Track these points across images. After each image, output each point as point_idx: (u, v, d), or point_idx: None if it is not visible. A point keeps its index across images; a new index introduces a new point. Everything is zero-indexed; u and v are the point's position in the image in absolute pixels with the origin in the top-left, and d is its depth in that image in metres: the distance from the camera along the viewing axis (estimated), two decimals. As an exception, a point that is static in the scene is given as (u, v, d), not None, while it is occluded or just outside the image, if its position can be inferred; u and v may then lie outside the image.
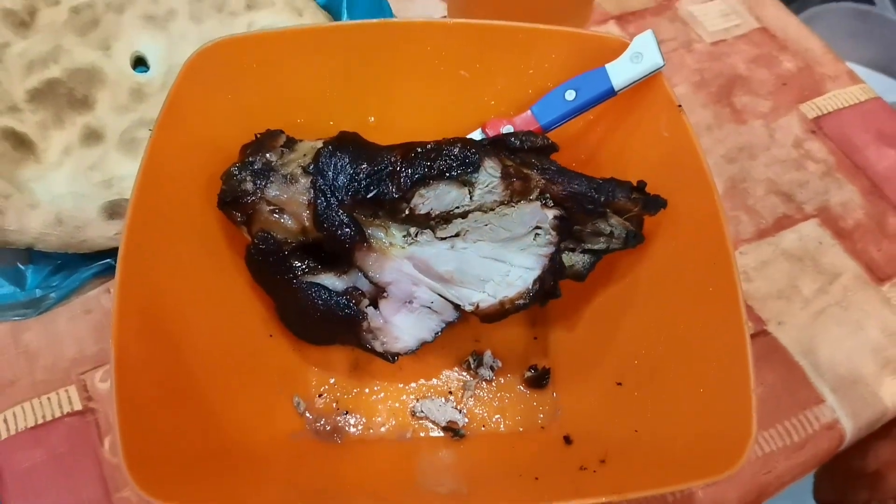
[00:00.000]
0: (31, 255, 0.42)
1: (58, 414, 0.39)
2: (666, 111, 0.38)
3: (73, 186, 0.44)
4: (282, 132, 0.39)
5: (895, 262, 0.46)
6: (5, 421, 0.38)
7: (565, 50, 0.40)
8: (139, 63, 0.51)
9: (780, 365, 0.42)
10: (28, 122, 0.46)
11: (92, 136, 0.46)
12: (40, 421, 0.39)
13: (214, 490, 0.31)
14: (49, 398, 0.39)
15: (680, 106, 0.37)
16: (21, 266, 0.42)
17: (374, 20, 0.40)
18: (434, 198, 0.35)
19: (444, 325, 0.38)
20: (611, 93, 0.39)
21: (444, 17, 0.56)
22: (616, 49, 0.39)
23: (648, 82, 0.38)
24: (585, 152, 0.42)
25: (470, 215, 0.35)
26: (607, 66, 0.38)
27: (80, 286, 0.42)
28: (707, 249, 0.34)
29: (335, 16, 0.53)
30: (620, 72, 0.38)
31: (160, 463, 0.29)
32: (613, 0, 0.59)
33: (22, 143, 0.45)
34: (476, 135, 0.41)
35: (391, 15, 0.53)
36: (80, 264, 0.42)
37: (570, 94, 0.39)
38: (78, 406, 0.39)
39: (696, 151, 0.36)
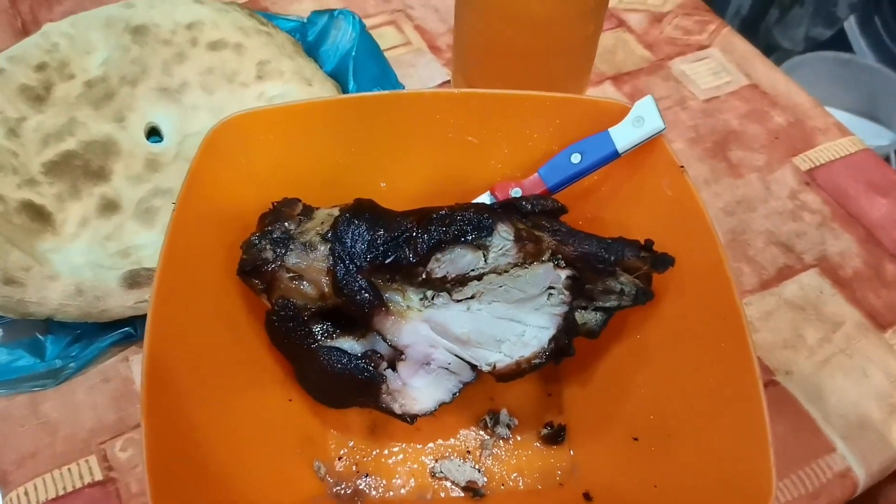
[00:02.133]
0: (49, 325, 0.43)
1: (78, 485, 0.39)
2: (668, 171, 0.39)
3: (91, 257, 0.45)
4: (299, 200, 0.40)
5: (895, 310, 0.47)
6: (26, 493, 0.38)
7: (568, 115, 0.42)
8: (153, 133, 0.53)
9: (791, 414, 0.43)
10: (46, 194, 0.47)
11: (108, 207, 0.47)
12: (61, 493, 0.39)
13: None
14: (70, 469, 0.39)
15: (682, 167, 0.39)
16: (40, 336, 0.42)
17: (383, 92, 0.41)
18: (450, 262, 0.36)
19: (461, 386, 0.38)
20: (615, 155, 0.40)
21: (448, 81, 0.58)
22: (617, 113, 0.40)
23: (650, 144, 0.40)
24: (591, 211, 0.43)
25: (485, 277, 0.36)
26: (611, 129, 0.40)
27: (98, 355, 0.43)
28: (715, 303, 0.35)
29: (342, 83, 0.55)
30: (623, 135, 0.40)
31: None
32: (608, 61, 0.61)
33: (40, 215, 0.46)
34: (484, 198, 0.42)
35: (395, 80, 0.55)
36: (98, 334, 0.43)
37: (575, 157, 0.41)
38: (98, 476, 0.39)
39: (699, 209, 0.37)
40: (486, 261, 0.36)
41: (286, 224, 0.38)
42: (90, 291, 0.42)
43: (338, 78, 0.55)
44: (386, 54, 0.60)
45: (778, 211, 0.52)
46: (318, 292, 0.37)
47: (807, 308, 0.47)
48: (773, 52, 1.32)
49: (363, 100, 0.42)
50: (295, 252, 0.37)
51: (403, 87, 0.55)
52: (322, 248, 0.37)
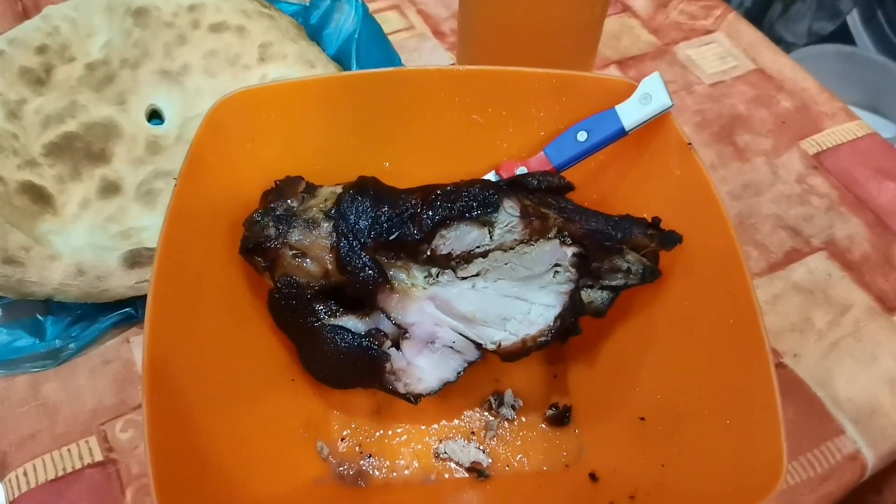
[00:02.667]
0: (50, 306, 0.42)
1: (78, 466, 0.38)
2: (677, 149, 0.39)
3: (92, 238, 0.44)
4: (302, 178, 0.40)
5: (905, 293, 0.47)
6: (25, 474, 0.38)
7: (574, 93, 0.41)
8: (154, 116, 0.52)
9: (799, 398, 0.42)
10: (46, 175, 0.47)
11: (109, 189, 0.47)
12: (61, 473, 0.38)
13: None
14: (69, 450, 0.39)
15: (690, 144, 0.38)
16: (40, 317, 0.42)
17: (387, 69, 0.41)
18: (455, 238, 0.36)
19: (466, 365, 0.38)
20: (621, 133, 0.40)
21: (453, 64, 0.57)
22: (624, 91, 0.40)
23: (658, 122, 0.40)
24: (598, 192, 0.43)
25: (490, 255, 0.36)
26: (617, 107, 0.40)
27: (99, 336, 0.42)
28: (725, 283, 0.35)
29: (345, 66, 0.54)
30: (630, 113, 0.39)
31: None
32: (613, 46, 0.61)
33: (41, 197, 0.46)
34: (490, 177, 0.42)
35: (399, 63, 0.55)
36: (98, 314, 0.43)
37: (582, 136, 0.40)
38: (99, 457, 0.39)
39: (709, 187, 0.37)
40: (491, 237, 0.36)
41: (289, 201, 0.38)
42: (91, 271, 0.41)
43: (341, 62, 0.55)
44: (390, 38, 0.60)
45: (785, 195, 0.52)
46: (321, 270, 0.37)
47: (815, 291, 0.47)
48: (777, 45, 1.32)
49: (366, 77, 0.41)
50: (298, 229, 0.37)
51: (407, 70, 0.54)
52: (325, 224, 0.37)
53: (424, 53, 0.59)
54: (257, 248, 0.37)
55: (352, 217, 0.36)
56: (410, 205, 0.36)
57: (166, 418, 0.31)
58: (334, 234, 0.36)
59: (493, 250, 0.36)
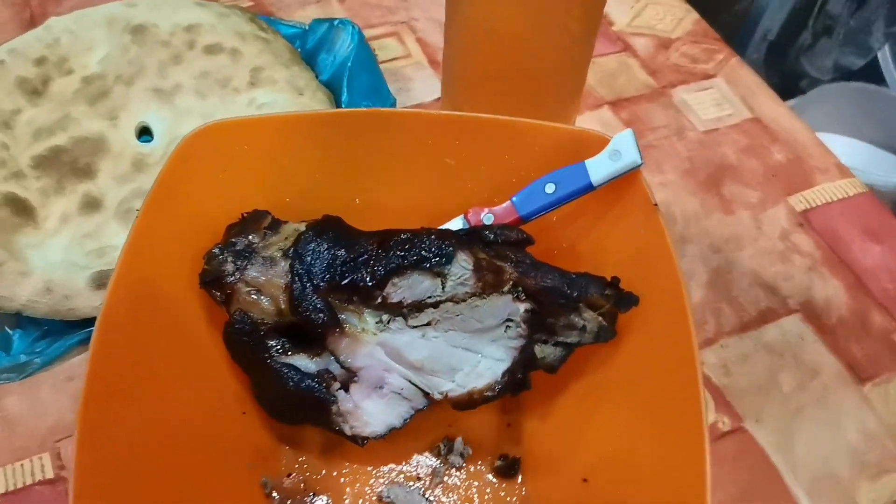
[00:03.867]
0: (20, 319, 0.43)
1: (29, 482, 0.39)
2: (642, 209, 0.39)
3: (68, 254, 0.45)
4: (268, 213, 0.40)
5: (877, 363, 0.46)
6: (-21, 486, 0.39)
7: (548, 143, 0.41)
8: (144, 132, 0.53)
9: (756, 464, 0.42)
10: (31, 188, 0.48)
11: (91, 205, 0.48)
12: (11, 488, 0.39)
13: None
14: (23, 465, 0.40)
15: (656, 205, 0.38)
16: (8, 330, 0.43)
17: (361, 109, 0.41)
18: (407, 287, 0.36)
19: (413, 412, 0.38)
20: (589, 188, 0.39)
21: (439, 98, 0.57)
22: (596, 144, 0.40)
23: (628, 179, 0.39)
24: (567, 241, 0.43)
25: (442, 305, 0.36)
26: (587, 161, 0.39)
27: (64, 353, 0.43)
28: (674, 350, 0.34)
29: (335, 92, 0.55)
30: (599, 168, 0.39)
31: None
32: (608, 85, 0.60)
33: (23, 210, 0.47)
34: (458, 221, 0.42)
35: (387, 93, 0.55)
36: (66, 331, 0.43)
37: (549, 188, 0.40)
38: (50, 474, 0.39)
39: (668, 252, 0.36)
40: (443, 289, 0.36)
41: (250, 237, 0.38)
42: (59, 290, 0.42)
43: (333, 87, 0.55)
44: (386, 66, 0.60)
45: (767, 251, 0.51)
46: (275, 308, 0.37)
47: (785, 354, 0.46)
48: (801, 79, 1.30)
49: (341, 116, 0.42)
50: (255, 266, 0.37)
51: (394, 101, 0.55)
52: (283, 263, 0.37)
53: (418, 82, 0.59)
54: (215, 282, 0.38)
55: (308, 258, 0.37)
56: (366, 250, 0.36)
57: (101, 440, 0.31)
58: (289, 274, 0.37)
59: (445, 301, 0.36)
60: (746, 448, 0.42)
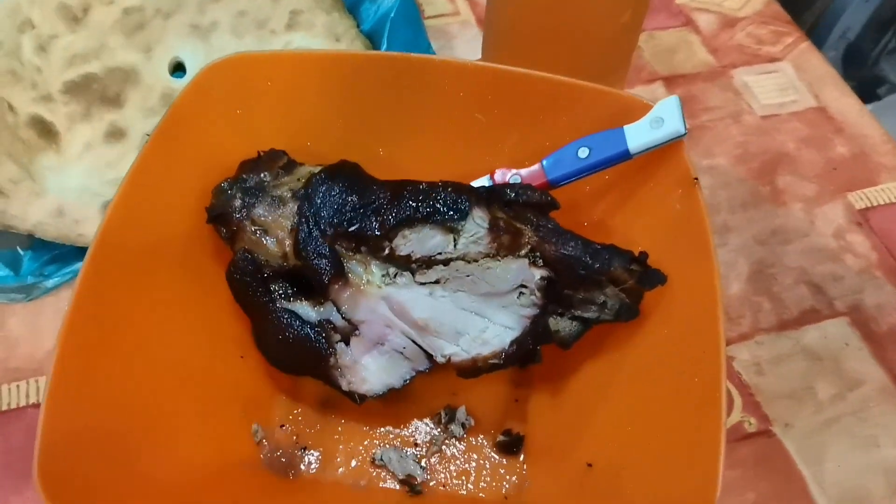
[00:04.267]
0: (33, 241, 0.43)
1: (23, 403, 0.39)
2: (682, 183, 0.36)
3: (85, 181, 0.44)
4: (284, 153, 0.38)
5: (927, 378, 0.42)
6: (-27, 402, 0.39)
7: (587, 105, 0.38)
8: (178, 68, 0.52)
9: (780, 472, 0.39)
10: (58, 112, 0.47)
11: (115, 135, 0.47)
12: (5, 408, 0.38)
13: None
14: (18, 386, 0.39)
15: (696, 179, 0.35)
16: (20, 251, 0.42)
17: (391, 53, 0.39)
18: (416, 240, 0.34)
19: (413, 374, 0.36)
20: (626, 155, 0.37)
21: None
22: (640, 111, 0.37)
23: (669, 150, 0.36)
24: (598, 213, 0.40)
25: (452, 263, 0.34)
26: (626, 127, 0.37)
27: (72, 279, 0.42)
28: (699, 338, 0.32)
29: (375, 43, 0.53)
30: (638, 135, 0.36)
31: (83, 479, 0.28)
32: (665, 60, 0.57)
33: (48, 133, 0.46)
34: (484, 181, 0.39)
35: (427, 48, 0.53)
36: (76, 257, 0.43)
37: (583, 152, 0.37)
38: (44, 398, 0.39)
39: (705, 232, 0.34)
40: (455, 246, 0.34)
41: (262, 175, 0.37)
42: (70, 214, 0.41)
43: (373, 38, 0.53)
44: (432, 22, 0.58)
45: (817, 248, 0.47)
46: (280, 250, 0.35)
47: (825, 359, 0.43)
48: (880, 84, 1.23)
49: (371, 59, 0.40)
50: (264, 204, 0.36)
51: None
52: (291, 204, 0.35)
53: (462, 41, 0.57)
54: (221, 217, 0.36)
55: (317, 201, 0.35)
56: (378, 198, 0.34)
57: (81, 369, 0.30)
58: (297, 216, 0.35)
59: (456, 259, 0.34)
60: (772, 453, 0.39)
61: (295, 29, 0.51)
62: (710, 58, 0.57)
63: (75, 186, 0.44)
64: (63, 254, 0.43)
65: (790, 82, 0.56)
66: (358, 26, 0.53)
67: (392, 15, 0.52)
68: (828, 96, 0.55)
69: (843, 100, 0.55)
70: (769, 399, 0.41)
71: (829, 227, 0.48)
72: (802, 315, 0.44)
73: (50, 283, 0.42)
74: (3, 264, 0.42)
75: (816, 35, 1.13)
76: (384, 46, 0.52)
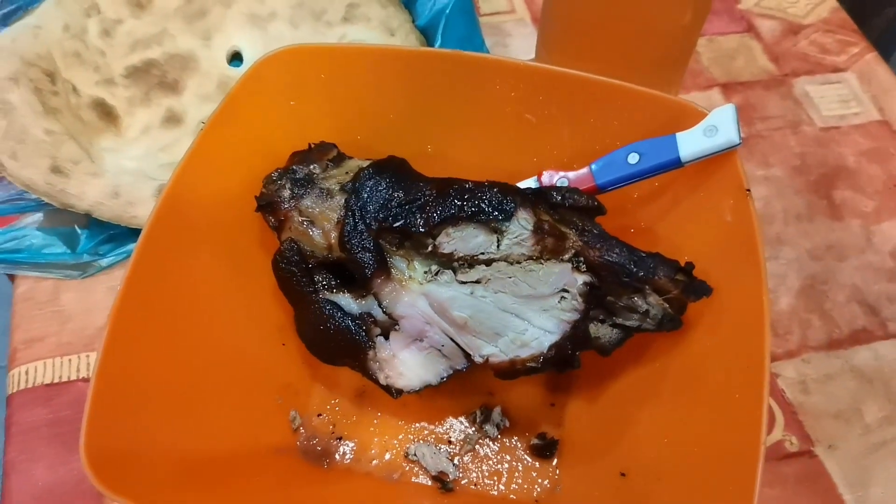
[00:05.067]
0: (90, 220, 0.44)
1: (74, 377, 0.40)
2: (733, 194, 0.35)
3: (141, 164, 0.46)
4: (334, 146, 0.39)
5: (983, 408, 0.40)
6: (27, 373, 0.40)
7: (638, 110, 0.38)
8: (235, 57, 0.53)
9: (820, 494, 0.38)
10: (119, 96, 0.49)
11: (172, 120, 0.48)
12: (56, 380, 0.40)
13: (180, 495, 0.31)
14: (70, 360, 0.41)
15: (748, 191, 0.34)
16: (78, 230, 0.44)
17: (443, 50, 0.39)
18: (460, 239, 0.34)
19: (451, 372, 0.36)
20: (677, 163, 0.36)
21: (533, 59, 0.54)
22: (694, 118, 0.36)
23: (721, 159, 0.36)
24: (646, 220, 0.39)
25: (494, 264, 0.34)
26: (678, 134, 0.36)
27: (125, 259, 0.44)
28: (743, 354, 0.31)
29: (430, 38, 0.53)
30: (691, 143, 0.35)
31: (125, 454, 0.29)
32: (724, 66, 0.55)
33: (108, 115, 0.48)
34: (530, 182, 0.39)
35: (481, 45, 0.52)
36: (130, 238, 0.44)
37: (633, 158, 0.37)
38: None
39: (755, 245, 0.33)
40: (498, 246, 0.34)
41: (312, 167, 0.37)
42: (125, 196, 0.43)
43: (428, 33, 0.53)
44: (488, 19, 0.58)
45: (874, 266, 0.46)
46: (326, 242, 0.36)
47: (875, 381, 0.41)
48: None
49: (421, 55, 0.40)
50: (312, 196, 0.36)
51: (487, 53, 0.52)
52: (339, 197, 0.36)
53: (518, 39, 0.56)
54: (270, 206, 0.37)
55: (364, 195, 0.35)
56: (423, 195, 0.34)
57: (130, 349, 0.31)
58: (343, 209, 0.35)
59: (498, 260, 0.34)
60: (813, 475, 0.38)
61: (351, 21, 0.52)
62: (770, 65, 0.56)
63: (131, 168, 0.45)
64: (118, 234, 0.44)
65: (853, 94, 0.54)
66: (413, 21, 0.54)
67: (447, 11, 0.52)
68: (893, 109, 0.53)
69: (909, 113, 0.53)
70: (813, 419, 0.40)
71: (888, 244, 0.47)
72: (854, 334, 0.43)
73: (104, 261, 0.43)
74: (61, 241, 0.43)
75: (884, 44, 1.09)
76: (438, 42, 0.52)
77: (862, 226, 0.47)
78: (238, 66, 0.52)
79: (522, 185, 0.39)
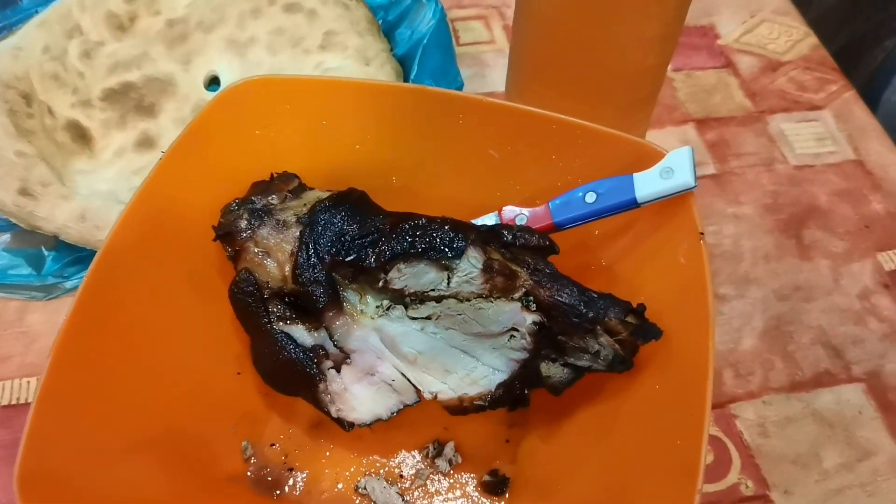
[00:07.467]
0: (57, 242, 0.44)
1: (31, 399, 0.40)
2: (687, 237, 0.35)
3: (113, 187, 0.46)
4: (296, 177, 0.39)
5: (943, 457, 0.40)
6: (-14, 394, 0.40)
7: (601, 149, 0.38)
8: (213, 82, 0.53)
9: (773, 540, 0.37)
10: (95, 118, 0.49)
11: (146, 143, 0.49)
12: (14, 402, 0.40)
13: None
14: (29, 382, 0.41)
15: (702, 234, 0.34)
16: (45, 251, 0.44)
17: (407, 85, 0.39)
18: (412, 275, 0.34)
19: (401, 407, 0.36)
20: (633, 204, 0.36)
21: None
22: (654, 158, 0.36)
23: (678, 201, 0.36)
24: (606, 258, 0.40)
25: (445, 301, 0.34)
26: (635, 175, 0.36)
27: (91, 281, 0.44)
28: (687, 398, 0.31)
29: (407, 68, 0.53)
30: (647, 184, 0.36)
31: (63, 484, 0.29)
32: (701, 101, 0.56)
33: (83, 138, 0.48)
34: (492, 217, 0.39)
35: (455, 76, 0.53)
36: (96, 261, 0.44)
37: (590, 197, 0.37)
38: (50, 396, 0.40)
39: (704, 289, 0.33)
40: (448, 283, 0.34)
41: (270, 198, 0.37)
42: (92, 219, 0.43)
43: (405, 62, 0.54)
44: (467, 49, 0.58)
45: (840, 308, 0.46)
46: (281, 273, 0.36)
47: (836, 426, 0.41)
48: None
49: (388, 90, 0.40)
50: (268, 227, 0.36)
51: (461, 85, 0.53)
52: (294, 229, 0.36)
53: (496, 70, 0.57)
54: (227, 236, 0.37)
55: (318, 228, 0.35)
56: (377, 229, 0.35)
57: (79, 363, 0.31)
58: (298, 241, 0.35)
59: (448, 297, 0.34)
60: (766, 520, 0.38)
61: (328, 50, 0.52)
62: (747, 102, 0.56)
63: (104, 191, 0.45)
64: (85, 257, 0.44)
65: (829, 132, 0.54)
66: (392, 50, 0.54)
67: (425, 41, 0.53)
68: (868, 149, 0.53)
69: (884, 154, 0.53)
70: (771, 463, 0.40)
71: (856, 287, 0.46)
72: (816, 377, 0.43)
73: (69, 284, 0.44)
74: (27, 263, 0.43)
75: (873, 85, 1.09)
76: (415, 71, 0.52)
77: (831, 267, 0.47)
78: (215, 90, 0.53)
79: (483, 219, 0.39)
